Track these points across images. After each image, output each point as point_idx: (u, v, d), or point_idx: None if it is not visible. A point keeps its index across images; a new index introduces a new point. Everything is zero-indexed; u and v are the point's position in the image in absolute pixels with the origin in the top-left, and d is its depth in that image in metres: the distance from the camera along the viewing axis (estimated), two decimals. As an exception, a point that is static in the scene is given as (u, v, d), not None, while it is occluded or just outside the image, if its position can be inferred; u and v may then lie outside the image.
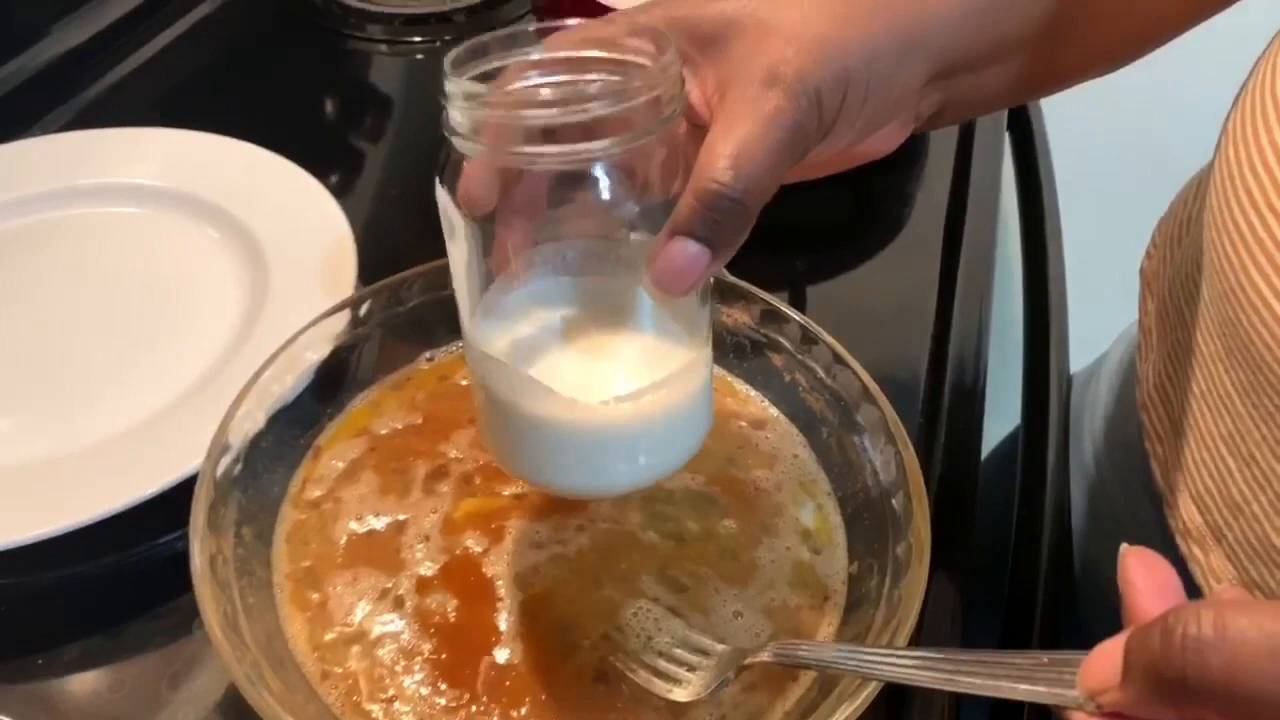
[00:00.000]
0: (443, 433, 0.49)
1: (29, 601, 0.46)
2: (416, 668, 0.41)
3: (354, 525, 0.45)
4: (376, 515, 0.46)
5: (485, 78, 0.35)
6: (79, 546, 0.46)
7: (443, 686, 0.40)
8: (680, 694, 0.39)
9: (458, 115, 0.34)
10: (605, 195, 0.35)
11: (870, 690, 0.36)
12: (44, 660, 0.44)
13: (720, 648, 0.40)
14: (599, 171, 0.34)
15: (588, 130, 0.33)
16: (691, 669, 0.40)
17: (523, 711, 0.40)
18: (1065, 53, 0.44)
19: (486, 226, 0.37)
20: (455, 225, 0.37)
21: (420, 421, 0.49)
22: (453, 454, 0.48)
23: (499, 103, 0.34)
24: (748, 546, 0.45)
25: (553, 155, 0.33)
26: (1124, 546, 0.32)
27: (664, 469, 0.40)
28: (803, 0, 0.36)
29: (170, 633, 0.45)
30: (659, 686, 0.40)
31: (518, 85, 0.36)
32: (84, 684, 0.43)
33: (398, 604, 0.42)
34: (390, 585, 0.43)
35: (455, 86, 0.33)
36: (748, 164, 0.34)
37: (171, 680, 0.43)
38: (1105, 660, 0.29)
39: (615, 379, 0.38)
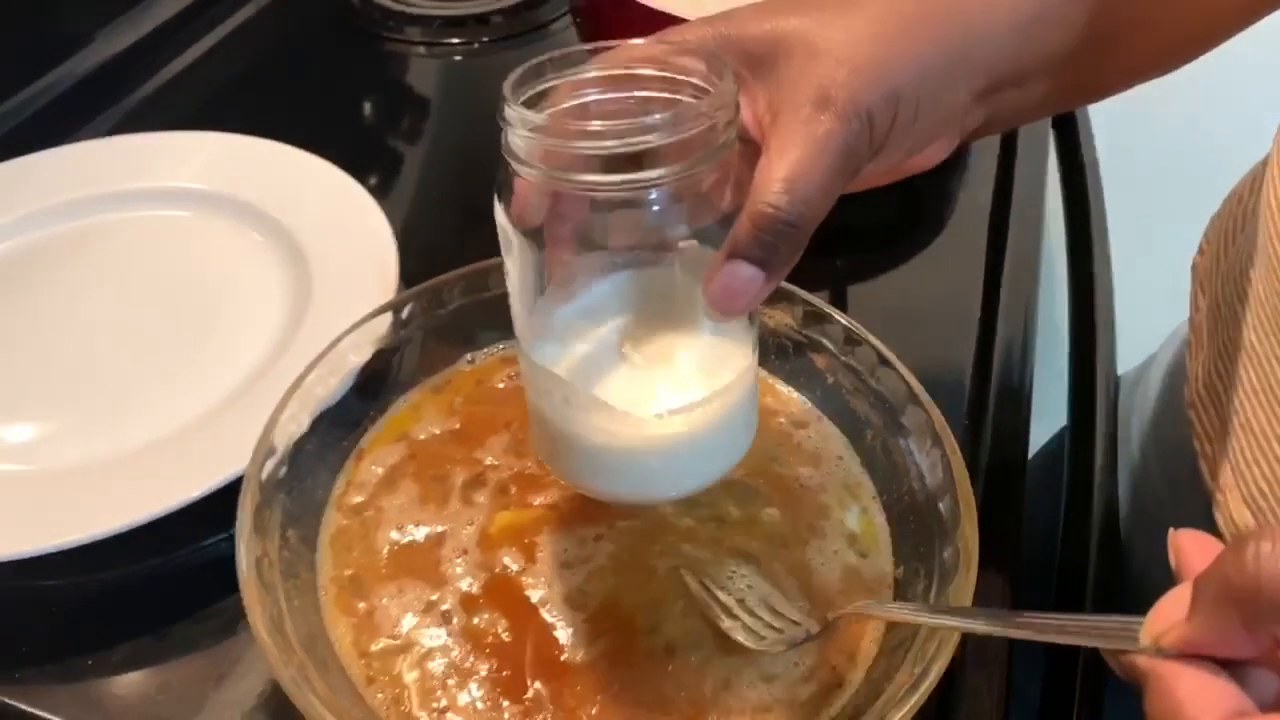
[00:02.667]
0: (479, 439, 0.49)
1: (78, 603, 0.47)
2: (473, 683, 0.40)
3: (395, 535, 0.45)
4: (417, 525, 0.46)
5: (541, 98, 0.36)
6: (127, 549, 0.46)
7: (505, 703, 0.40)
8: (764, 645, 0.40)
9: (516, 140, 0.34)
10: (656, 217, 0.35)
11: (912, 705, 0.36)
12: (93, 661, 0.44)
13: (802, 617, 0.41)
14: (651, 195, 0.35)
15: (643, 155, 0.33)
16: (779, 630, 0.41)
17: (593, 712, 0.40)
18: (1110, 64, 0.43)
19: (542, 241, 0.37)
20: (511, 241, 0.37)
21: (458, 426, 0.49)
22: (489, 460, 0.48)
23: (556, 131, 0.34)
24: (796, 542, 0.45)
25: (610, 185, 0.34)
26: (1171, 530, 0.32)
27: (711, 476, 0.41)
28: (852, 20, 0.36)
29: (216, 634, 0.45)
30: (744, 635, 0.40)
31: (571, 103, 0.36)
32: (132, 684, 0.44)
33: (445, 619, 0.42)
34: (435, 598, 0.43)
35: (514, 113, 0.34)
36: (802, 188, 0.34)
37: (218, 681, 0.43)
38: (1171, 602, 0.29)
39: (667, 391, 0.38)
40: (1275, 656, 0.28)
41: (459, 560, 0.44)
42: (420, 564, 0.44)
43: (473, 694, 0.40)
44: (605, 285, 0.40)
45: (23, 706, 0.43)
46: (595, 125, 0.33)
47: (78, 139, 0.71)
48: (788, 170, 0.34)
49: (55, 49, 0.80)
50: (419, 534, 0.45)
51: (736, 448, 0.41)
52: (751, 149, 0.36)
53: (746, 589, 0.43)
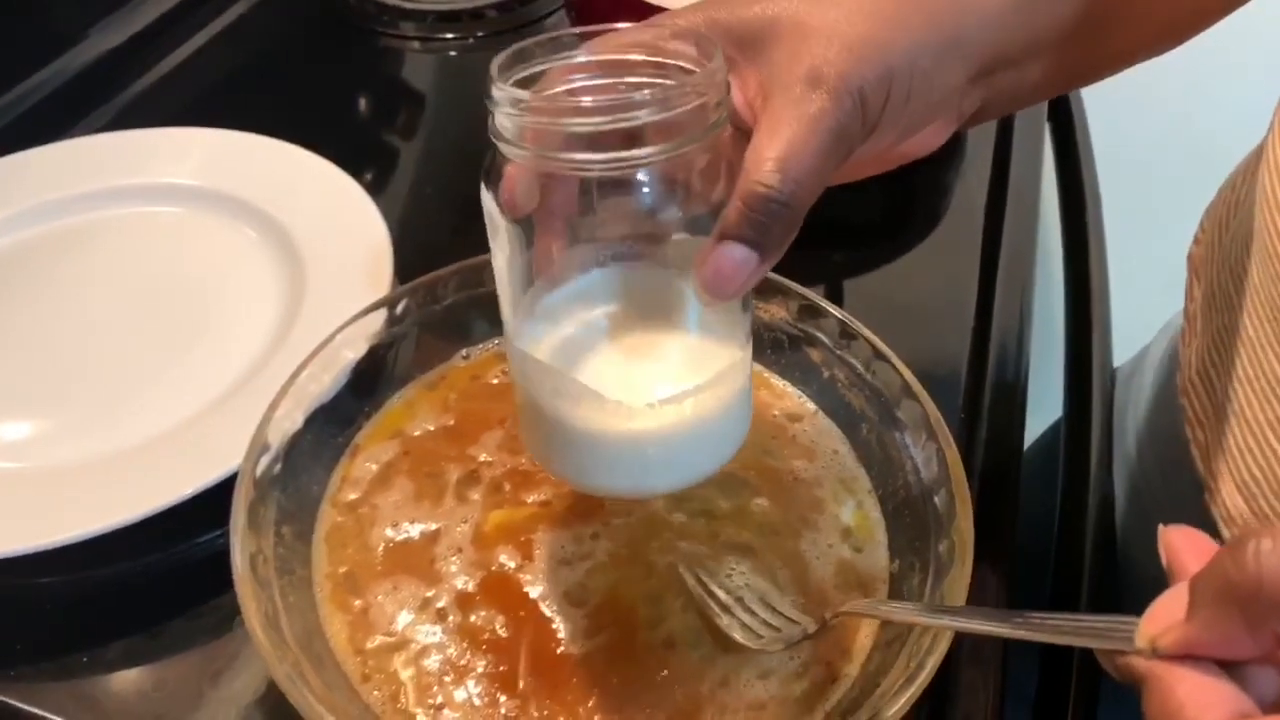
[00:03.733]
0: (473, 435, 0.49)
1: (73, 600, 0.47)
2: (470, 680, 0.40)
3: (390, 532, 0.45)
4: (411, 522, 0.46)
5: (530, 82, 0.35)
6: (121, 546, 0.46)
7: (502, 698, 0.40)
8: (761, 644, 0.40)
9: (504, 121, 0.34)
10: (647, 200, 0.35)
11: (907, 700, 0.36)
12: (88, 658, 0.44)
13: (799, 615, 0.41)
14: (642, 176, 0.34)
15: (633, 136, 0.33)
16: (776, 628, 0.41)
17: (590, 705, 0.40)
18: (1105, 44, 0.43)
19: (529, 228, 0.37)
20: (499, 227, 0.37)
21: (452, 423, 0.49)
22: (483, 457, 0.48)
23: (545, 109, 0.34)
24: (788, 533, 0.45)
25: (599, 163, 0.33)
26: (1161, 526, 0.32)
27: (705, 470, 0.40)
28: (844, 0, 0.36)
29: (212, 631, 0.45)
30: (742, 634, 0.40)
31: (561, 89, 0.36)
32: (127, 682, 0.44)
33: (440, 616, 0.42)
34: (430, 595, 0.43)
35: (501, 92, 0.33)
36: (794, 167, 0.34)
37: (214, 678, 0.43)
38: (1168, 602, 0.28)
39: (658, 381, 0.38)
40: (1276, 655, 0.28)
41: (454, 558, 0.44)
42: (415, 561, 0.44)
43: (469, 690, 0.40)
44: (596, 277, 0.40)
45: (18, 704, 0.43)
46: (584, 102, 0.33)
47: (71, 135, 0.71)
48: (780, 149, 0.34)
49: (48, 45, 0.80)
50: (414, 531, 0.45)
51: (730, 441, 0.40)
52: (743, 136, 0.36)
53: (744, 586, 0.43)
